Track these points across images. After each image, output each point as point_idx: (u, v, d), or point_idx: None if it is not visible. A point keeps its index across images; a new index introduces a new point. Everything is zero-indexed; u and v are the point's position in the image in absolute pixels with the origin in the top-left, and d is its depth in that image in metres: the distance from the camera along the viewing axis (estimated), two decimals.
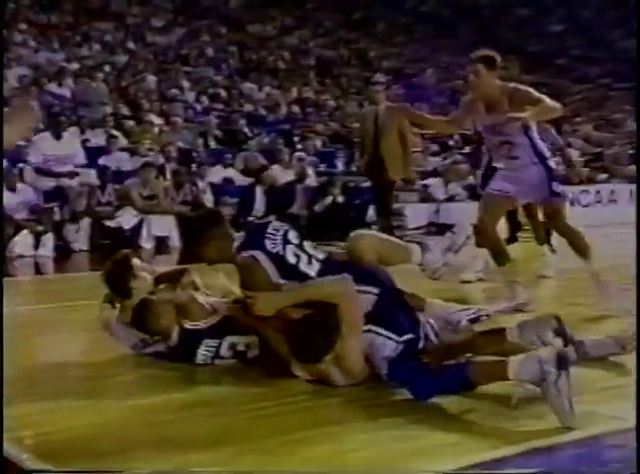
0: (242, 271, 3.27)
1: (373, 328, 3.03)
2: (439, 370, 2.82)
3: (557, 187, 4.55)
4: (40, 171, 8.88)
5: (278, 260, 3.27)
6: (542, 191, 4.53)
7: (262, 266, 3.23)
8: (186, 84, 13.83)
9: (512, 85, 4.41)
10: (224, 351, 3.50)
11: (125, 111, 11.99)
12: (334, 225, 8.82)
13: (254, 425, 2.62)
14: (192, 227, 3.46)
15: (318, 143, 12.40)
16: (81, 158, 9.31)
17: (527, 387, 2.63)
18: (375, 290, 3.14)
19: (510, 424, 2.53)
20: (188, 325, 3.48)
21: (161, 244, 9.07)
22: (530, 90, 4.40)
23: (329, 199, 10.06)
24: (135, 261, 3.75)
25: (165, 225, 9.11)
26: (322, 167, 11.72)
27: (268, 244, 3.30)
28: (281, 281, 3.25)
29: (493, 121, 4.38)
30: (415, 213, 10.22)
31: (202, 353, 3.48)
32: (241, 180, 10.35)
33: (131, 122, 11.31)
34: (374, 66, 18.08)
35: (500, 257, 4.54)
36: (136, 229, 8.99)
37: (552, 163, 4.65)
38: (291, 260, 3.30)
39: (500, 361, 2.73)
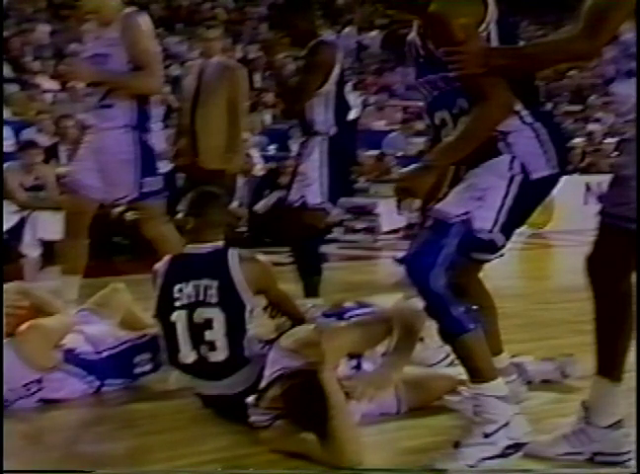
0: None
1: None
2: None
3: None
4: None
5: None
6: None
7: None
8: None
9: None
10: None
11: (7, 71, 11.81)
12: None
13: None
14: None
15: (267, 118, 12.28)
16: None
17: None
18: None
19: None
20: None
21: (50, 251, 8.86)
22: None
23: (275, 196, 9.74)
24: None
25: (56, 225, 8.88)
26: (271, 149, 11.66)
27: None
28: None
29: None
30: (391, 211, 10.14)
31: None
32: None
33: (14, 87, 11.23)
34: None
35: None
36: (16, 231, 8.87)
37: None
38: None
39: None
